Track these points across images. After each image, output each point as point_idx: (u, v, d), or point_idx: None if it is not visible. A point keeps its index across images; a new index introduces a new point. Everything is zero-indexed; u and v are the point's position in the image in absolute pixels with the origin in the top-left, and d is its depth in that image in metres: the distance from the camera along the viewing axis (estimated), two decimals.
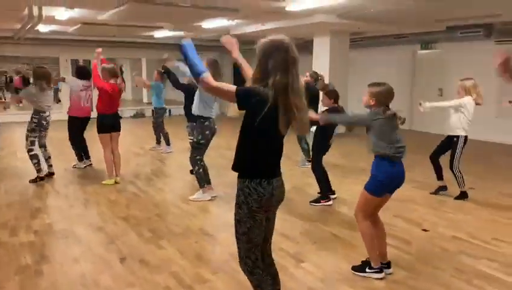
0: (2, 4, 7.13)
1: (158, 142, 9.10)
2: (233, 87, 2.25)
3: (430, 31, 10.74)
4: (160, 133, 8.92)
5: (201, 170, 5.52)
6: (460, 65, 10.03)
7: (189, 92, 5.82)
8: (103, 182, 6.27)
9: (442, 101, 5.82)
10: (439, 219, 4.90)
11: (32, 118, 6.22)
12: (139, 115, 15.84)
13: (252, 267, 2.41)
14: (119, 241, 4.21)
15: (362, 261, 3.56)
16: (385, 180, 3.35)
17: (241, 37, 13.40)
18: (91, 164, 7.36)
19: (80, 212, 5.11)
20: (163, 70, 6.04)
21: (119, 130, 6.33)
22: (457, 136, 5.48)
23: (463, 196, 5.60)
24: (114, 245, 4.12)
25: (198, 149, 5.47)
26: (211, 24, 10.55)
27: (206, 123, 5.34)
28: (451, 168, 5.57)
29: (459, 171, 5.57)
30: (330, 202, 5.35)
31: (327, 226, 4.61)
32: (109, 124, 6.17)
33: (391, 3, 7.47)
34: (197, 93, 5.29)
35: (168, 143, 8.85)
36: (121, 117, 6.47)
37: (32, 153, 6.27)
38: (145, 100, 20.19)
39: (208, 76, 2.26)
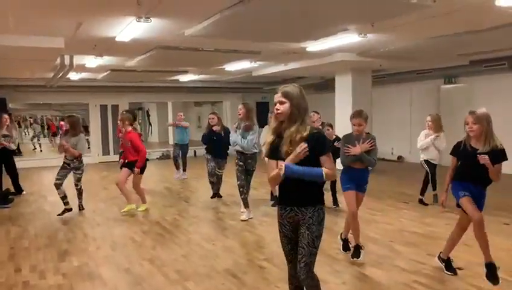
0: (37, 55, 7.52)
1: (184, 169, 10.86)
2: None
3: (454, 65, 10.70)
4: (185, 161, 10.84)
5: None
6: (486, 98, 9.90)
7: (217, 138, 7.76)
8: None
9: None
10: (473, 256, 4.69)
11: (81, 161, 6.95)
12: (164, 157, 16.07)
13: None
14: (146, 283, 4.19)
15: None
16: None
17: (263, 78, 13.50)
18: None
19: (107, 254, 5.13)
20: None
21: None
22: None
23: None
24: (140, 287, 4.09)
25: (252, 176, 6.71)
26: (233, 66, 10.82)
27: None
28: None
29: None
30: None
31: (358, 266, 4.48)
32: None
33: (408, 40, 7.54)
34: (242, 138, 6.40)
35: (184, 170, 10.86)
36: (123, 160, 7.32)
37: (82, 189, 7.19)
38: (171, 142, 20.57)
39: (327, 172, 2.67)
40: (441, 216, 6.40)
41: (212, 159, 7.82)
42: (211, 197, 8.02)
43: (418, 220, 6.30)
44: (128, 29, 5.98)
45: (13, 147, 8.39)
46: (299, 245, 2.76)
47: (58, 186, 6.81)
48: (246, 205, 6.56)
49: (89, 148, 18.07)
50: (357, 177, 4.50)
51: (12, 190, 8.61)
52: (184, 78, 13.62)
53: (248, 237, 5.78)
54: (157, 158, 15.96)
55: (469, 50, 8.93)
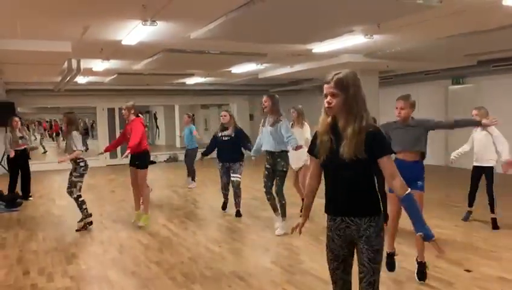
0: (44, 59, 7.58)
1: (193, 178, 9.88)
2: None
3: (461, 66, 10.61)
4: (192, 169, 9.84)
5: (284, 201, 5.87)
6: (494, 99, 9.81)
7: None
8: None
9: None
10: (482, 258, 4.65)
11: (79, 163, 6.14)
12: (171, 160, 16.11)
13: None
14: (152, 286, 4.19)
15: None
16: None
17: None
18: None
19: (114, 257, 5.14)
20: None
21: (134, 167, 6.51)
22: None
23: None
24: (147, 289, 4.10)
25: (284, 178, 5.81)
26: (240, 69, 10.82)
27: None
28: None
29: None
30: None
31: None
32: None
33: (414, 41, 7.50)
34: (269, 134, 5.71)
35: (193, 179, 9.87)
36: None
37: (82, 199, 6.22)
38: (178, 145, 20.63)
39: (401, 187, 2.32)
40: (449, 218, 6.34)
41: (225, 171, 6.95)
42: (222, 208, 7.20)
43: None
44: (134, 32, 6.00)
45: (32, 146, 8.70)
46: (358, 262, 2.37)
47: (69, 194, 6.27)
48: (276, 209, 5.87)
49: (87, 150, 18.17)
50: (406, 173, 3.76)
51: (20, 193, 8.66)
52: (190, 81, 13.65)
53: (255, 239, 5.77)
54: (164, 161, 16.00)
55: (477, 50, 8.85)
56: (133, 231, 6.26)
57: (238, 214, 6.86)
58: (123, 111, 6.50)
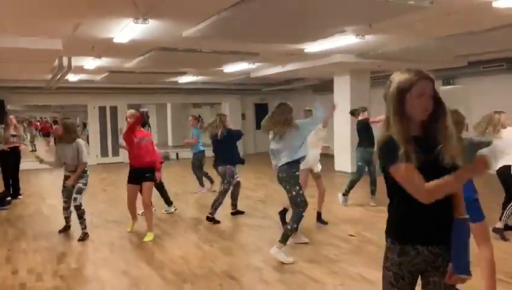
0: (35, 56, 7.51)
1: (201, 184, 9.11)
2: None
3: (452, 67, 10.69)
4: (199, 174, 9.04)
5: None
6: (484, 100, 9.90)
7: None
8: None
9: None
10: (476, 259, 4.68)
11: (86, 170, 5.85)
12: (164, 158, 16.00)
13: None
14: (143, 285, 4.18)
15: None
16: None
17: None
18: None
19: (105, 257, 5.11)
20: None
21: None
22: None
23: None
24: (137, 288, 4.09)
25: None
26: (232, 68, 10.81)
27: None
28: None
29: None
30: None
31: (356, 268, 4.47)
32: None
33: (406, 41, 7.55)
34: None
35: (210, 182, 9.05)
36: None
37: (83, 208, 5.80)
38: (170, 144, 20.56)
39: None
40: None
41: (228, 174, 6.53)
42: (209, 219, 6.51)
43: None
44: (126, 30, 5.98)
45: (23, 146, 8.82)
46: None
47: (66, 209, 6.00)
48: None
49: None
50: None
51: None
52: (183, 79, 13.62)
53: (246, 238, 5.78)
54: None
55: (467, 51, 8.93)
56: (124, 230, 6.22)
57: (238, 211, 6.87)
58: (128, 119, 5.90)
